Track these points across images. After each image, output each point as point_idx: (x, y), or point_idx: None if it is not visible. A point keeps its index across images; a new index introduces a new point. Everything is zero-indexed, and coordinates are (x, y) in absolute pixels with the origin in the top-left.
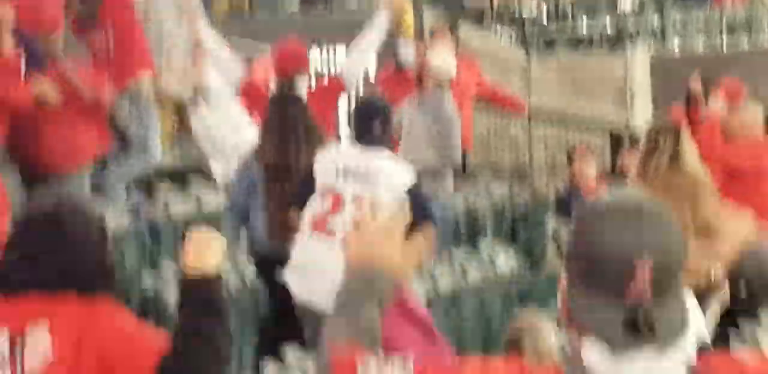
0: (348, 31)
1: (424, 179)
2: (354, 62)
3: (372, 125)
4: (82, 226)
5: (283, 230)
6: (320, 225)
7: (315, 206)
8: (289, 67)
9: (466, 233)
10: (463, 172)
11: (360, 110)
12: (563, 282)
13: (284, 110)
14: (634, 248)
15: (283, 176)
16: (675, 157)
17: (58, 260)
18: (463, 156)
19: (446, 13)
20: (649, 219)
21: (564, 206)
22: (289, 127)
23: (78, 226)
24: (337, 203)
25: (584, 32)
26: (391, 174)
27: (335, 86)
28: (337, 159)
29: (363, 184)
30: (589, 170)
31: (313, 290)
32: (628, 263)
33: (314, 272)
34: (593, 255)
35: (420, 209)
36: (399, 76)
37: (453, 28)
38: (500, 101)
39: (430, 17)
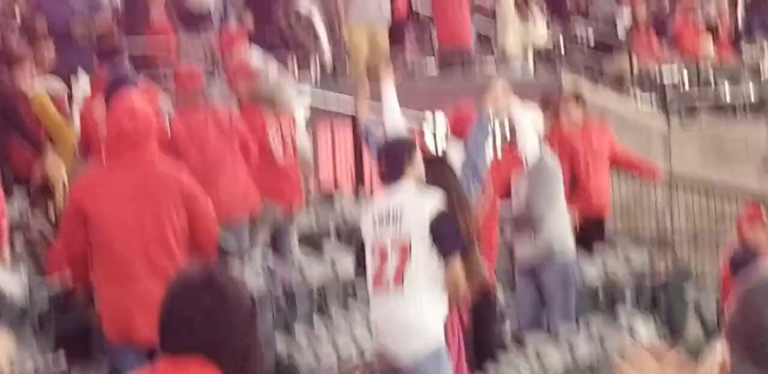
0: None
1: None
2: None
3: (397, 160)
4: (237, 293)
5: None
6: (378, 281)
7: (371, 264)
8: (458, 129)
9: (605, 300)
10: (601, 238)
11: (388, 149)
12: (726, 355)
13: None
14: None
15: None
16: None
17: (215, 327)
18: (602, 222)
19: (585, 78)
20: None
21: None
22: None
23: (234, 293)
24: (383, 254)
25: (727, 99)
26: (414, 207)
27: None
28: (371, 211)
29: (394, 225)
30: (760, 233)
31: (392, 343)
32: None
33: (388, 329)
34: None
35: (445, 238)
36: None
37: (580, 95)
38: (634, 167)
39: (568, 81)
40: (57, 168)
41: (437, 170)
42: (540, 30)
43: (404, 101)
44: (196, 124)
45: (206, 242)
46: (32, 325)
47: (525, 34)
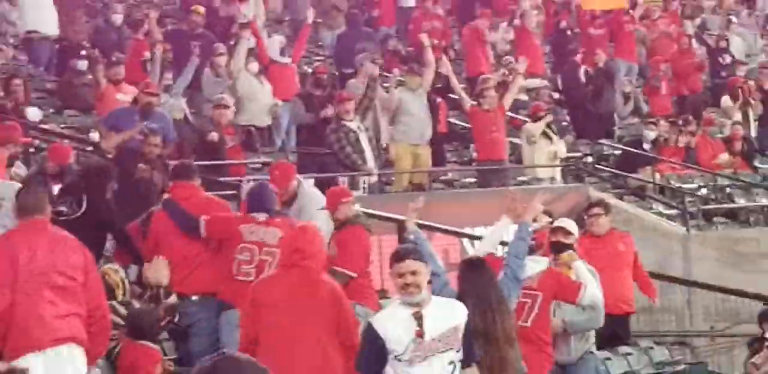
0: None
1: None
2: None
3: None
4: None
5: None
6: None
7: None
8: None
9: None
10: (628, 337)
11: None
12: None
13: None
14: None
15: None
16: None
17: None
18: (626, 321)
19: (611, 189)
20: None
21: None
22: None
23: None
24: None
25: (741, 206)
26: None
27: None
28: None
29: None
30: None
31: None
32: None
33: None
34: None
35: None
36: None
37: (607, 204)
38: (641, 282)
39: (595, 193)
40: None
41: (479, 273)
42: (561, 148)
43: (446, 215)
44: None
45: (346, 339)
46: None
47: (551, 152)
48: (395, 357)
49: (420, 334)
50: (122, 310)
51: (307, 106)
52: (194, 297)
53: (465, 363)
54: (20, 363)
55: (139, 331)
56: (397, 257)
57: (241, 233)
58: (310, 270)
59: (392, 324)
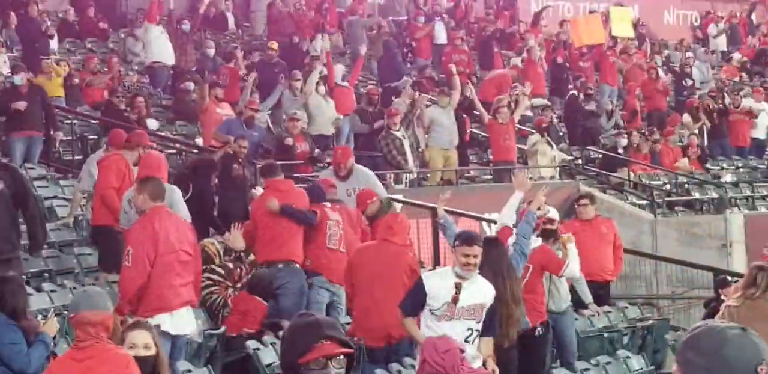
0: None
1: None
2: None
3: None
4: None
5: None
6: None
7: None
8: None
9: (609, 344)
10: (608, 299)
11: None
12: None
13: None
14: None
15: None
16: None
17: None
18: (607, 287)
19: (596, 185)
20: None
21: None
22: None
23: None
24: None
25: (696, 198)
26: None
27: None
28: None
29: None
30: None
31: None
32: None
33: None
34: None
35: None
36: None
37: (592, 195)
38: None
39: (583, 187)
40: (237, 242)
41: (496, 248)
42: (558, 153)
43: (469, 203)
44: None
45: None
46: (204, 357)
47: (551, 156)
48: (430, 310)
49: (455, 300)
50: (219, 270)
51: (363, 119)
52: (280, 265)
53: (483, 334)
54: (153, 320)
55: (257, 288)
56: (469, 241)
57: (328, 214)
58: (395, 244)
59: (438, 285)
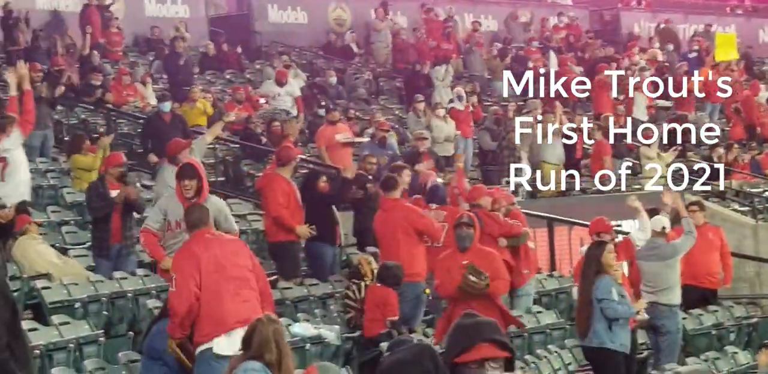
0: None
1: None
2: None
3: None
4: None
5: None
6: None
7: None
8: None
9: (717, 341)
10: (714, 299)
11: None
12: None
13: None
14: None
15: None
16: None
17: None
18: (714, 292)
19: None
20: None
21: None
22: None
23: None
24: None
25: None
26: None
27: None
28: None
29: None
30: None
31: None
32: None
33: None
34: None
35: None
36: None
37: (702, 204)
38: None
39: (690, 196)
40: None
41: (596, 250)
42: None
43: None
44: None
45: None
46: (342, 359)
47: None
48: None
49: None
50: (363, 290)
51: (492, 137)
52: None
53: None
54: (208, 345)
55: (388, 278)
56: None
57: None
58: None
59: None
